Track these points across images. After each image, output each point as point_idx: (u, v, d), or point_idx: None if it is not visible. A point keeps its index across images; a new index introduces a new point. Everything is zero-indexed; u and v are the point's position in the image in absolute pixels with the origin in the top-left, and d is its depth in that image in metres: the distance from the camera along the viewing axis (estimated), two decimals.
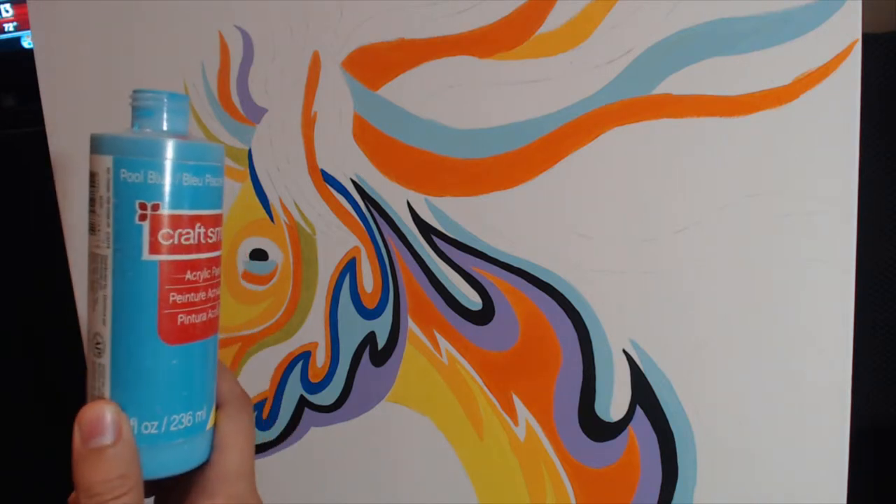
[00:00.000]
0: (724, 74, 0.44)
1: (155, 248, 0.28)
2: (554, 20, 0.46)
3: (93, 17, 0.56)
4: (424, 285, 0.51)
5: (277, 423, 0.57)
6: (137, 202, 0.27)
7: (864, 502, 0.50)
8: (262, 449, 0.58)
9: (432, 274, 0.51)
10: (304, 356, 0.55)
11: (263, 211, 0.54)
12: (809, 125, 0.43)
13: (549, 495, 0.51)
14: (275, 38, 0.52)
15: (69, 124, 0.58)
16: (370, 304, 0.53)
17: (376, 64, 0.50)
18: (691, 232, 0.46)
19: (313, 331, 0.55)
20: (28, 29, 0.78)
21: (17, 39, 0.90)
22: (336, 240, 0.53)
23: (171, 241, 0.28)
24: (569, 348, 0.49)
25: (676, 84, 0.44)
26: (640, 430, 0.48)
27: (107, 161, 0.28)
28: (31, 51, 0.58)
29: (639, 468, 0.49)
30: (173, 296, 0.28)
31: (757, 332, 0.45)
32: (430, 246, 0.51)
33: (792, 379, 0.45)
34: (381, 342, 0.53)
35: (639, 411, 0.48)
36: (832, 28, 0.42)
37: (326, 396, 0.55)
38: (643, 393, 0.48)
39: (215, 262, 0.30)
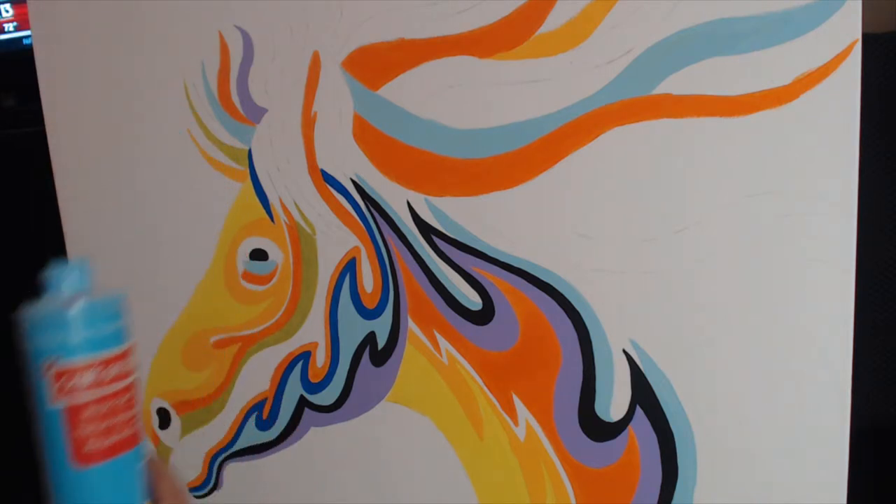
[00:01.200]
0: (724, 74, 0.44)
1: (56, 396, 0.33)
2: (554, 20, 0.46)
3: (93, 16, 0.56)
4: (424, 285, 0.51)
5: (277, 423, 0.57)
6: (41, 361, 0.33)
7: (864, 502, 0.49)
8: (262, 449, 0.58)
9: (432, 274, 0.51)
10: (304, 356, 0.55)
11: (263, 211, 0.54)
12: (809, 125, 0.43)
13: (549, 495, 0.51)
14: (275, 38, 0.52)
15: (69, 124, 0.58)
16: (370, 304, 0.53)
17: (376, 64, 0.50)
18: (691, 232, 0.46)
19: (313, 331, 0.55)
20: (28, 29, 0.78)
21: (18, 39, 0.90)
22: (336, 240, 0.53)
23: (67, 387, 0.33)
24: (569, 348, 0.49)
25: (676, 84, 0.44)
26: (640, 430, 0.48)
27: (25, 330, 0.34)
28: (31, 51, 0.58)
29: (639, 468, 0.49)
30: (78, 431, 0.33)
31: (757, 332, 0.45)
32: (430, 246, 0.51)
33: (792, 379, 0.45)
34: (381, 342, 0.53)
35: (639, 411, 0.48)
36: (832, 28, 0.41)
37: (326, 396, 0.55)
38: (643, 393, 0.48)
39: (121, 392, 0.34)
